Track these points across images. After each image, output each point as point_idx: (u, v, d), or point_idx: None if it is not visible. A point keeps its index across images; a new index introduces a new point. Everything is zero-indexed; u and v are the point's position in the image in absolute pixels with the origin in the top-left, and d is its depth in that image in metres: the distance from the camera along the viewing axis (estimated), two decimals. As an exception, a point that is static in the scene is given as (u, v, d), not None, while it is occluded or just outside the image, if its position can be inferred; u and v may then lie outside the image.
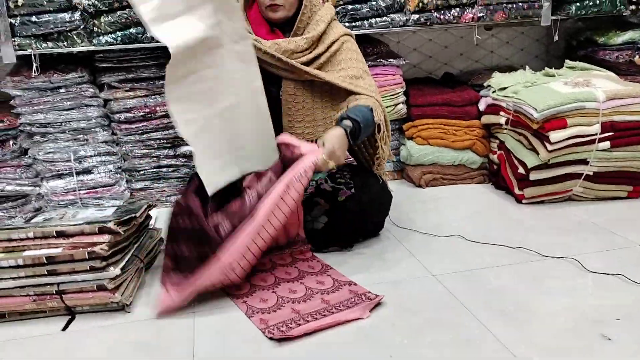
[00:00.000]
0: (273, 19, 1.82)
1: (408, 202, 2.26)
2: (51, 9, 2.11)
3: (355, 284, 1.57)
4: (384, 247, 1.84)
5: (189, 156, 2.36)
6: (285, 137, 1.72)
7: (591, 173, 2.09)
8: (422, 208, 2.20)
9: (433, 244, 1.85)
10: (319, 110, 1.87)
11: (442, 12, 2.40)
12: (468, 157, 2.47)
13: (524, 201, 2.16)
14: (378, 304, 1.46)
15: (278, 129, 1.82)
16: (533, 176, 2.10)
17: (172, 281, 1.52)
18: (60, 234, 1.53)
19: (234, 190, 1.64)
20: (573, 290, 1.51)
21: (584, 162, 2.08)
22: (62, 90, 2.22)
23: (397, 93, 2.47)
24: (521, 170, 2.13)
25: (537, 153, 2.07)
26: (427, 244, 1.85)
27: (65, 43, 2.16)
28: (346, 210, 1.75)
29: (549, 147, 2.03)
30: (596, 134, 2.04)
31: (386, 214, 1.88)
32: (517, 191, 2.17)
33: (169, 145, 2.35)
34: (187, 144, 2.31)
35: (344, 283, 1.58)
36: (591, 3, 2.49)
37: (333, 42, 1.85)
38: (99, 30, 2.16)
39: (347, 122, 1.67)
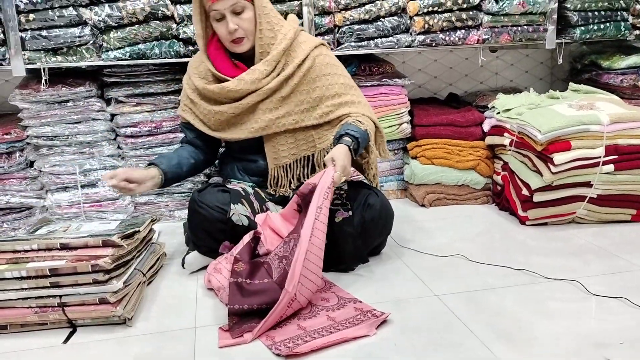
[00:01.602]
0: (240, 52, 1.79)
1: (411, 221, 2.26)
2: (61, 24, 2.14)
3: (360, 302, 1.56)
4: (386, 265, 1.83)
5: (193, 171, 2.37)
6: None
7: (595, 196, 2.09)
8: (425, 227, 2.19)
9: (436, 263, 1.84)
10: (301, 131, 1.87)
11: (448, 33, 2.43)
12: (472, 178, 2.47)
13: (527, 223, 2.16)
14: (381, 323, 1.45)
15: (261, 152, 1.88)
16: (537, 198, 2.10)
17: (244, 328, 1.45)
18: (64, 247, 1.53)
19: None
20: (576, 313, 1.50)
21: (588, 184, 2.08)
22: (69, 104, 2.24)
23: (402, 112, 2.49)
24: (525, 191, 2.14)
25: (541, 175, 2.07)
26: (430, 263, 1.84)
27: (74, 57, 2.19)
28: (343, 233, 1.73)
29: (553, 169, 2.03)
30: (600, 157, 2.04)
31: (388, 233, 1.87)
32: (520, 213, 2.17)
33: (174, 160, 2.36)
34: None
35: (348, 300, 1.57)
36: (595, 27, 2.52)
37: (303, 60, 1.82)
38: (108, 45, 2.19)
39: (347, 139, 1.69)
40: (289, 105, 1.83)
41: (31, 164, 2.29)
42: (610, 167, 2.05)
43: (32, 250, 1.54)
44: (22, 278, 1.47)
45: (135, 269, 1.62)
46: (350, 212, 1.75)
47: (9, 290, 1.48)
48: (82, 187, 2.30)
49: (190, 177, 2.08)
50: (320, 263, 1.52)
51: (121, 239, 1.56)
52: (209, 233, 1.71)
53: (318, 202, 1.54)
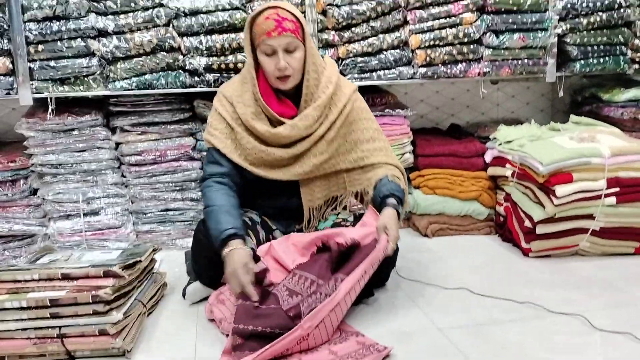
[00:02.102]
0: (283, 89, 1.77)
1: (414, 252, 2.25)
2: (70, 54, 2.17)
3: (363, 335, 1.54)
4: (390, 298, 1.82)
5: (196, 199, 2.38)
6: (328, 233, 1.72)
7: (598, 228, 2.09)
8: (428, 258, 2.18)
9: (439, 296, 1.83)
10: (334, 174, 1.88)
11: (449, 66, 2.46)
12: (475, 208, 2.47)
13: (530, 254, 2.15)
14: (384, 358, 1.43)
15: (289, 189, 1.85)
16: (539, 230, 2.10)
17: (246, 353, 1.43)
18: (65, 277, 1.53)
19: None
20: (581, 348, 1.48)
21: (590, 217, 2.07)
22: (75, 132, 2.26)
23: (404, 143, 2.51)
24: (527, 223, 2.13)
25: (543, 207, 2.07)
26: (433, 295, 1.83)
27: (81, 87, 2.22)
28: None
29: (555, 201, 2.03)
30: (602, 190, 2.04)
31: (392, 266, 1.86)
32: (523, 244, 2.16)
33: (177, 188, 2.37)
34: (194, 188, 2.36)
35: (351, 333, 1.56)
36: (595, 61, 2.55)
37: (345, 105, 1.82)
38: (115, 76, 2.22)
39: (394, 201, 1.72)
40: (332, 149, 1.83)
41: (35, 191, 2.29)
42: (613, 200, 2.05)
43: (33, 280, 1.53)
44: (22, 308, 1.46)
45: (135, 299, 1.61)
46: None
47: (9, 320, 1.47)
48: (85, 215, 2.30)
49: None
50: (341, 318, 1.55)
51: (122, 269, 1.56)
52: (212, 264, 1.71)
53: (366, 267, 1.57)
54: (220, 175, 1.79)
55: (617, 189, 2.05)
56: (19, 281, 1.54)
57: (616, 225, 2.09)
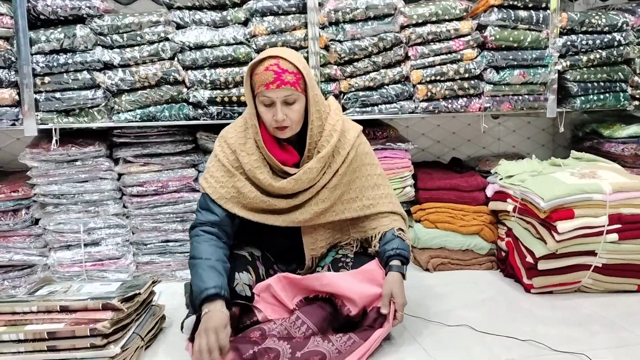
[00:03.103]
0: (281, 138, 1.74)
1: (415, 286, 2.23)
2: (75, 86, 2.21)
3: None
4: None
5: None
6: (334, 287, 1.69)
7: (600, 265, 2.07)
8: (429, 294, 2.17)
9: (440, 332, 1.81)
10: (337, 222, 1.87)
11: (450, 101, 2.48)
12: (476, 243, 2.46)
13: (532, 291, 2.13)
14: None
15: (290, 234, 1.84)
16: (541, 265, 2.08)
17: None
18: (64, 309, 1.52)
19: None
20: (585, 389, 1.46)
21: (593, 253, 2.06)
22: (78, 163, 2.28)
23: (405, 176, 2.51)
24: (529, 259, 2.12)
25: (545, 242, 2.07)
26: (434, 332, 1.81)
27: (85, 119, 2.24)
28: None
29: (557, 237, 2.03)
30: (604, 226, 2.04)
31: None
32: (525, 280, 2.15)
33: (178, 219, 2.37)
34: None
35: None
36: (595, 98, 2.58)
37: (348, 152, 1.78)
38: (119, 107, 2.25)
39: (397, 263, 1.72)
40: (334, 196, 1.80)
41: (36, 221, 2.30)
42: (615, 237, 2.04)
43: (32, 312, 1.53)
44: (19, 341, 1.46)
45: (134, 332, 1.59)
46: None
47: (6, 353, 1.45)
48: (86, 245, 2.30)
49: None
50: None
51: (121, 302, 1.55)
52: None
53: (373, 344, 1.59)
54: (211, 225, 1.75)
55: (619, 226, 2.05)
56: (18, 313, 1.53)
57: (619, 262, 2.08)
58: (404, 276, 1.73)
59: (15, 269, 2.27)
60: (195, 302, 1.60)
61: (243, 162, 1.75)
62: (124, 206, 2.36)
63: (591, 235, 2.05)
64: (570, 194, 2.06)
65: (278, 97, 1.65)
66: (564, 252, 2.06)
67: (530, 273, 2.13)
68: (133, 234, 2.37)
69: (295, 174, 1.73)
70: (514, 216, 2.29)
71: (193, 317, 1.79)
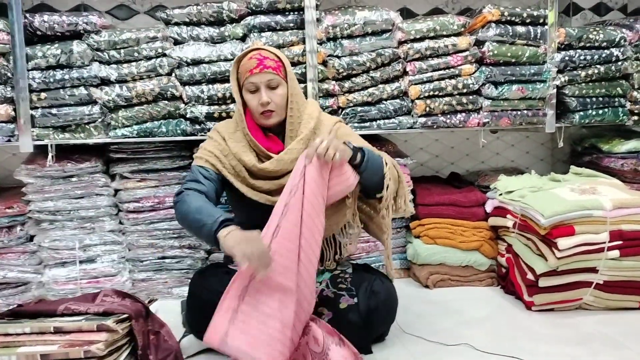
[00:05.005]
0: (266, 125, 1.82)
1: (415, 303, 2.20)
2: (72, 102, 2.19)
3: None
4: (389, 355, 1.77)
5: (193, 247, 2.36)
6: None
7: (601, 282, 2.06)
8: (429, 311, 2.14)
9: (440, 352, 1.78)
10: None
11: (448, 116, 2.48)
12: (476, 259, 2.44)
13: (533, 308, 2.11)
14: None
15: None
16: (542, 282, 2.06)
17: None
18: (58, 330, 1.49)
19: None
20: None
21: (594, 270, 2.04)
22: (74, 179, 2.26)
23: (404, 191, 2.49)
24: (530, 275, 2.10)
25: (546, 259, 2.05)
26: (434, 352, 1.78)
27: (82, 134, 2.23)
28: (348, 321, 1.69)
29: (558, 254, 2.01)
30: (605, 242, 2.02)
31: (392, 321, 1.83)
32: (526, 297, 2.12)
33: (175, 236, 2.35)
34: (191, 235, 2.32)
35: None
36: (594, 113, 2.57)
37: (329, 133, 1.82)
38: (116, 123, 2.24)
39: (350, 145, 1.69)
40: None
41: (31, 238, 2.27)
42: (616, 253, 2.03)
43: (25, 333, 1.49)
44: (11, 364, 1.42)
45: (128, 354, 1.56)
46: (355, 299, 1.72)
47: (-3, 376, 1.42)
48: (81, 262, 2.27)
49: None
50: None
51: (116, 323, 1.52)
52: (208, 318, 1.67)
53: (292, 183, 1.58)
54: (199, 192, 1.75)
55: (620, 242, 2.03)
56: (10, 334, 1.49)
57: (620, 279, 2.06)
58: (353, 152, 1.67)
59: (9, 286, 2.24)
60: (210, 235, 1.59)
61: (231, 147, 1.83)
62: (120, 222, 2.34)
63: (592, 252, 2.03)
64: (571, 210, 2.04)
65: (262, 81, 1.76)
66: (565, 269, 2.04)
67: (531, 290, 2.11)
68: (129, 250, 2.34)
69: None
70: (514, 232, 2.27)
71: (190, 337, 1.77)
